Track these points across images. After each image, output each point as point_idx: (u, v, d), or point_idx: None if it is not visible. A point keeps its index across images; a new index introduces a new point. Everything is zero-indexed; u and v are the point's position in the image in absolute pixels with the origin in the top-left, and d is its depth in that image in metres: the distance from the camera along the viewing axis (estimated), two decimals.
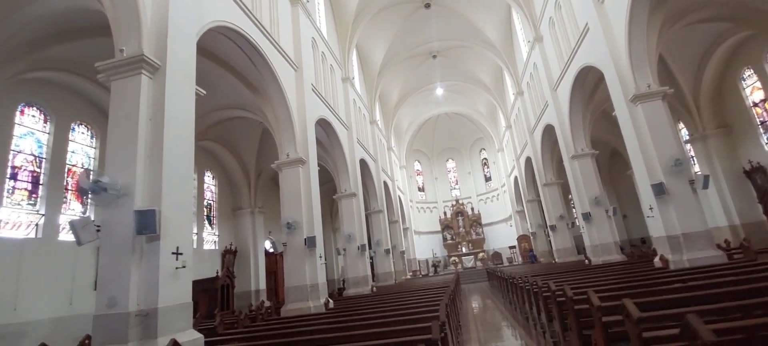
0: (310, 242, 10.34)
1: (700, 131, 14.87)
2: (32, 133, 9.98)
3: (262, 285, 16.98)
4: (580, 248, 20.74)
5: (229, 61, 10.49)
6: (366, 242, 16.51)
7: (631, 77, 9.74)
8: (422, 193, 37.37)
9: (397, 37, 22.52)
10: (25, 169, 9.62)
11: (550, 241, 22.36)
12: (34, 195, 9.70)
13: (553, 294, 5.99)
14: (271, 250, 17.79)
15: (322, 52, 15.76)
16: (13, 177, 9.31)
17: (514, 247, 29.60)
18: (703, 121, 14.81)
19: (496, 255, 30.85)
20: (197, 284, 13.96)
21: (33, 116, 10.04)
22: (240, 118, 13.51)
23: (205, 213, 15.78)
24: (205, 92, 7.10)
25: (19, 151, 9.55)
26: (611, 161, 23.66)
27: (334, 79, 16.87)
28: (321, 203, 11.38)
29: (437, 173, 37.92)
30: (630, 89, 9.82)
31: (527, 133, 21.48)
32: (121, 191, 5.29)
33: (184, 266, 5.69)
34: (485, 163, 37.00)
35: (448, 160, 38.47)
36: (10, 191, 9.19)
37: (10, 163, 9.23)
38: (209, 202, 16.06)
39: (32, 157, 9.84)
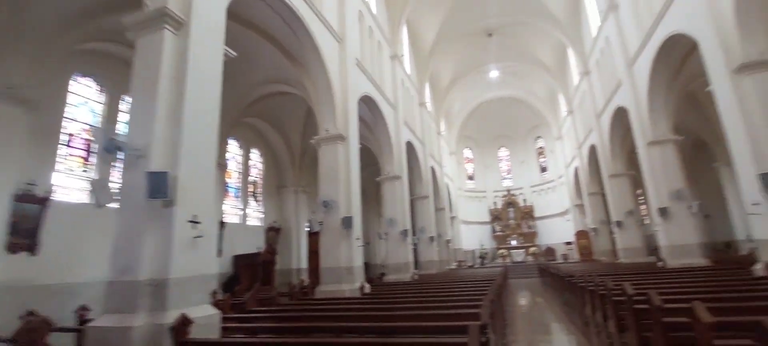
0: (347, 222, 9.78)
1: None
2: (86, 102, 10.24)
3: (304, 264, 16.93)
4: (650, 249, 18.50)
5: (268, 30, 10.08)
6: (409, 227, 15.75)
7: (737, 43, 7.91)
8: (472, 181, 35.73)
9: (451, 13, 21.12)
10: (78, 138, 9.87)
11: (613, 239, 20.16)
12: (87, 162, 9.98)
13: (629, 299, 4.84)
14: (309, 229, 17.64)
15: (370, 26, 14.99)
16: (67, 145, 9.57)
17: (570, 243, 27.35)
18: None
19: (550, 250, 28.76)
20: (240, 259, 14.17)
21: (87, 86, 10.28)
22: (284, 94, 13.22)
23: (251, 190, 15.88)
24: (235, 54, 6.66)
25: (73, 120, 9.78)
26: (693, 153, 20.66)
27: (382, 56, 16.08)
28: (366, 185, 10.85)
29: (488, 161, 36.02)
30: (735, 58, 8.07)
31: (593, 118, 19.32)
32: (139, 151, 4.96)
33: (201, 236, 5.26)
34: (541, 153, 34.47)
35: (500, 148, 36.36)
36: (65, 157, 9.46)
37: (63, 132, 9.48)
38: (255, 178, 16.15)
39: (86, 126, 10.07)
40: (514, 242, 29.92)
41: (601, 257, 21.58)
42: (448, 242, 25.39)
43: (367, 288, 10.04)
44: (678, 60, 12.50)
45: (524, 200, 31.93)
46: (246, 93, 12.28)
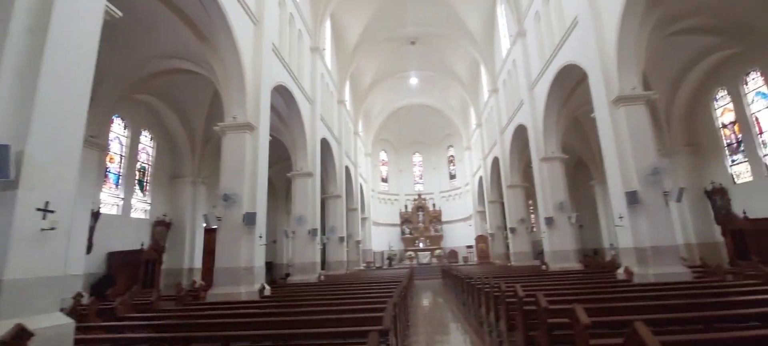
0: (250, 218, 9.00)
1: (669, 147, 14.80)
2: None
3: (198, 264, 15.35)
4: (536, 253, 20.66)
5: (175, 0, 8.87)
6: (318, 226, 15.27)
7: (616, 77, 9.12)
8: (386, 184, 36.43)
9: (376, 15, 21.18)
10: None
11: (507, 243, 22.10)
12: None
13: (520, 301, 5.12)
14: (205, 225, 16.10)
15: (291, 14, 14.20)
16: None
17: (471, 246, 29.38)
18: (672, 137, 14.82)
19: (453, 253, 30.54)
20: (116, 256, 12.26)
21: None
22: (187, 73, 11.76)
23: (137, 177, 13.89)
24: (120, 14, 5.58)
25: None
26: (575, 170, 23.71)
27: (302, 46, 15.37)
28: (276, 180, 10.09)
29: (403, 166, 37.10)
30: (613, 90, 9.28)
31: (498, 133, 20.98)
32: None
33: (53, 229, 4.25)
34: (451, 161, 36.58)
35: (415, 154, 37.71)
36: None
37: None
38: (143, 165, 14.17)
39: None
40: (421, 245, 31.13)
41: (496, 260, 23.52)
42: (358, 242, 25.38)
43: (268, 290, 9.36)
44: (569, 88, 14.12)
45: (433, 205, 33.47)
46: (139, 65, 10.66)
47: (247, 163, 9.41)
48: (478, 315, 8.66)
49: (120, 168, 13.04)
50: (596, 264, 15.41)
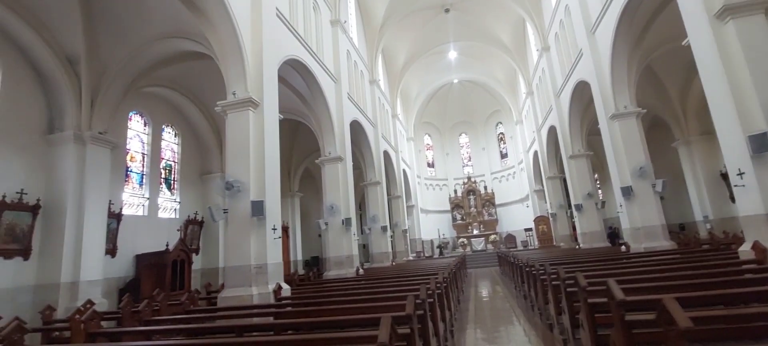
0: (257, 208, 7.73)
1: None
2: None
3: None
4: (608, 233, 17.78)
5: None
6: (353, 215, 13.88)
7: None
8: (432, 169, 34.46)
9: None
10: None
11: (573, 223, 19.33)
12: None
13: (618, 301, 3.21)
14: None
15: None
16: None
17: (530, 229, 26.61)
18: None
19: (510, 238, 27.99)
20: (141, 258, 11.69)
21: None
22: (198, 58, 10.77)
23: (163, 176, 13.36)
24: None
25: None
26: (650, 133, 20.14)
27: (320, 19, 13.97)
28: (315, 170, 8.78)
29: (449, 149, 34.87)
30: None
31: (553, 97, 18.24)
32: None
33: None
34: (501, 139, 33.71)
35: (461, 135, 35.30)
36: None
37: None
38: (169, 162, 13.62)
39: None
40: (475, 231, 28.91)
41: (561, 242, 20.78)
42: (404, 231, 23.83)
43: (287, 290, 8.07)
44: (642, 23, 11.38)
45: (485, 188, 31.00)
46: (137, 51, 9.81)
47: (253, 144, 8.16)
48: (545, 313, 6.69)
49: (143, 167, 12.53)
50: (690, 241, 12.46)
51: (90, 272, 9.21)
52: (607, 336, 3.84)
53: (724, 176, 15.36)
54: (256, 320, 6.43)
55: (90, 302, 8.27)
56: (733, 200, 15.08)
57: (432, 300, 5.48)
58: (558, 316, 5.47)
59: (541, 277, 6.31)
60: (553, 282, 5.48)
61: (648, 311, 3.88)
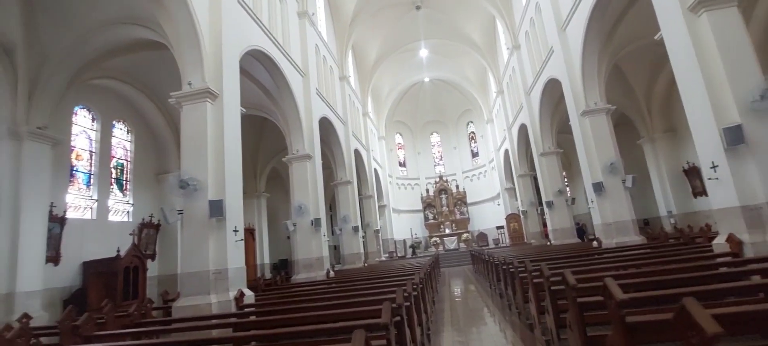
0: (215, 208, 7.04)
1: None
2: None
3: None
4: (576, 230, 18.05)
5: None
6: (323, 216, 13.29)
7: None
8: (404, 168, 34.22)
9: None
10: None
11: (544, 220, 19.55)
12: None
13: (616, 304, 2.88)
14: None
15: None
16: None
17: (501, 227, 26.85)
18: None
19: (482, 236, 28.15)
20: (89, 266, 10.59)
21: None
22: (151, 48, 9.87)
23: (114, 176, 12.26)
24: None
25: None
26: (618, 130, 20.73)
27: (286, 8, 13.27)
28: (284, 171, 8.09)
29: (420, 148, 34.75)
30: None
31: (523, 95, 18.34)
32: None
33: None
34: (472, 138, 33.94)
35: (432, 134, 35.26)
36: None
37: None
38: (120, 161, 12.51)
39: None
40: (447, 230, 28.88)
41: (532, 240, 20.99)
42: (377, 232, 23.39)
43: (250, 297, 7.41)
44: (611, 22, 11.50)
45: (457, 187, 31.06)
46: (83, 38, 8.83)
47: (211, 139, 7.46)
48: (524, 312, 6.42)
49: (90, 166, 11.40)
50: (657, 235, 12.73)
51: (28, 282, 8.20)
52: (598, 337, 3.61)
53: (687, 173, 15.95)
54: (214, 333, 5.79)
55: (26, 316, 7.29)
56: (695, 195, 15.72)
57: (409, 304, 5.06)
58: (540, 315, 5.18)
59: (521, 274, 6.01)
60: (535, 280, 5.18)
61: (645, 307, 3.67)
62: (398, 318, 4.32)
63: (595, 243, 11.74)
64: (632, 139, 18.21)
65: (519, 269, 6.21)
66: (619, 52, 13.42)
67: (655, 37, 7.72)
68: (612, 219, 11.33)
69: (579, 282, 4.05)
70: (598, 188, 11.55)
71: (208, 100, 7.56)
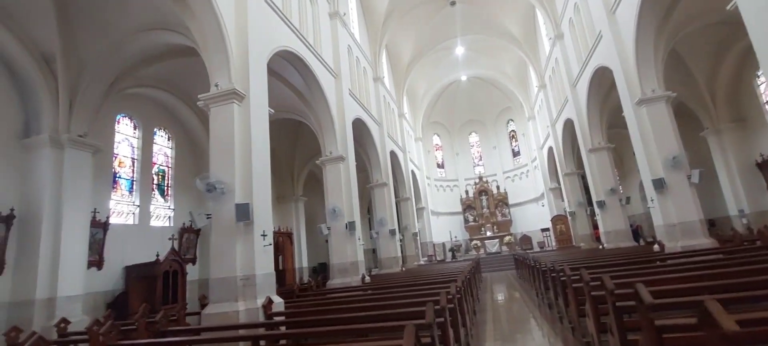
0: (242, 211, 6.85)
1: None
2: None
3: None
4: (632, 232, 16.48)
5: None
6: (357, 219, 12.95)
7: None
8: (442, 169, 33.39)
9: None
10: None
11: (594, 222, 18.10)
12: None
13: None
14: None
15: None
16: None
17: (547, 230, 25.34)
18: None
19: (526, 239, 26.74)
20: (130, 270, 10.91)
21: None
22: (184, 54, 10.04)
23: (156, 181, 12.63)
24: None
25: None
26: (676, 121, 18.86)
27: (317, 9, 13.13)
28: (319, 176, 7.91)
29: (458, 148, 33.78)
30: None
31: (568, 88, 17.10)
32: None
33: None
34: (513, 136, 32.52)
35: (470, 134, 34.19)
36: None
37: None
38: (162, 168, 12.88)
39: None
40: (488, 232, 27.73)
41: (581, 243, 19.52)
42: (415, 235, 22.81)
43: (279, 304, 7.15)
44: (667, 1, 10.30)
45: (497, 187, 29.80)
46: (116, 46, 9.07)
47: (238, 140, 7.31)
48: (579, 328, 5.64)
49: (133, 172, 11.80)
50: (729, 238, 11.19)
51: (69, 286, 8.43)
52: None
53: (761, 166, 14.09)
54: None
55: (64, 321, 7.48)
56: None
57: (443, 319, 4.50)
58: (600, 334, 4.44)
59: (575, 285, 5.27)
60: (593, 293, 4.45)
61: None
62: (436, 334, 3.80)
63: (656, 247, 10.49)
64: (693, 131, 16.40)
65: (572, 278, 5.45)
66: (676, 34, 12.06)
67: (727, 8, 6.65)
68: (676, 220, 10.09)
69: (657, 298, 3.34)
70: (659, 184, 10.34)
71: (235, 101, 7.43)
